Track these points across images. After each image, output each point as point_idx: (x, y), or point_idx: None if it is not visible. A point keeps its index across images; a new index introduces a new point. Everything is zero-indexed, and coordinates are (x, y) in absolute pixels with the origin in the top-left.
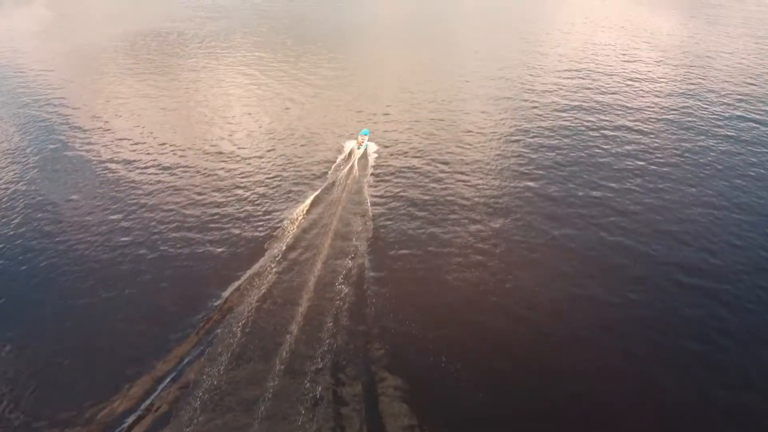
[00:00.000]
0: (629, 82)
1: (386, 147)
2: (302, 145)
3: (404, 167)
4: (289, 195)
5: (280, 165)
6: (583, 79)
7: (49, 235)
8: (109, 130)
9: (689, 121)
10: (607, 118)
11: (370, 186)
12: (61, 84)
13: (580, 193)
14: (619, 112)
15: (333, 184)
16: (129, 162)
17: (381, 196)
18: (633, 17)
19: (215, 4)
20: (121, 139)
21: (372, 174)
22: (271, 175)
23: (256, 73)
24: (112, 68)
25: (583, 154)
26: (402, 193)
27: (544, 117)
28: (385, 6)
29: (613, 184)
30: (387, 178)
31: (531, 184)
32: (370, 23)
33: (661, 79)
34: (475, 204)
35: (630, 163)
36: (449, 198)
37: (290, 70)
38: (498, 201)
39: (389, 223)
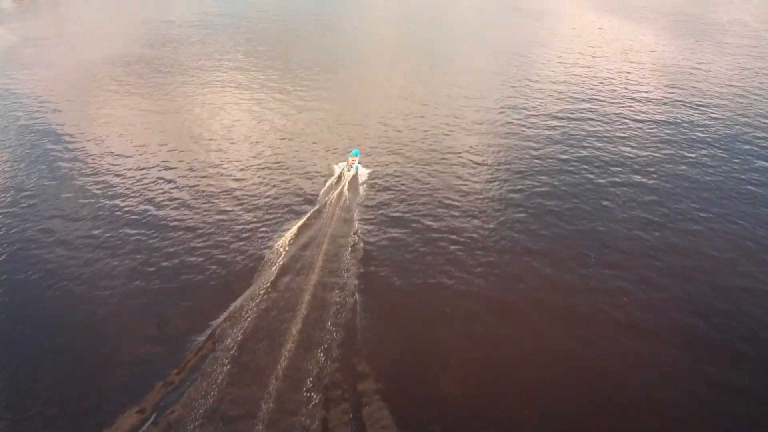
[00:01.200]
0: (628, 112)
1: (377, 168)
2: (290, 168)
3: (396, 190)
4: (276, 222)
5: (266, 189)
6: (581, 104)
7: (26, 257)
8: (88, 157)
9: (696, 162)
10: (606, 146)
11: (361, 212)
12: (36, 111)
13: (579, 227)
14: (616, 142)
15: (322, 209)
16: (108, 188)
17: (372, 223)
18: (634, 43)
19: (192, 25)
20: (96, 173)
21: (362, 198)
22: (256, 200)
23: (243, 92)
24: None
25: (581, 181)
26: (394, 220)
27: (541, 142)
28: (378, 22)
29: (614, 226)
30: (378, 202)
31: (524, 216)
32: (364, 39)
33: (664, 106)
34: (470, 233)
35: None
36: (443, 225)
37: (278, 89)
38: (493, 231)
39: (380, 253)
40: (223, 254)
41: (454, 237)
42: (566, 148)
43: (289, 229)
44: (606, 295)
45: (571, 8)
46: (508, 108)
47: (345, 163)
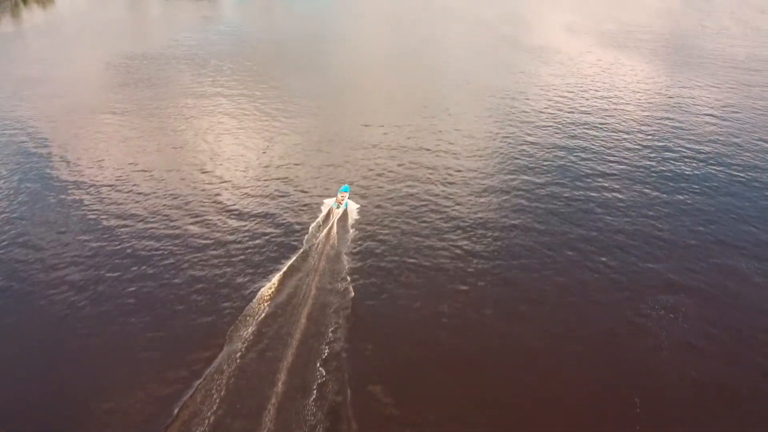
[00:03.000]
0: (626, 136)
1: (369, 205)
2: (275, 205)
3: (389, 229)
4: (257, 267)
5: (249, 229)
6: (578, 127)
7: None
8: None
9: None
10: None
11: (351, 254)
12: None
13: (578, 257)
14: (610, 164)
15: (308, 252)
16: (77, 225)
17: (363, 266)
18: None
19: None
20: (79, 201)
21: (352, 239)
22: (237, 243)
23: (226, 122)
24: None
25: (576, 211)
26: (387, 262)
27: (540, 172)
28: (371, 38)
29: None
30: (369, 244)
31: (527, 261)
32: (353, 69)
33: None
34: (467, 274)
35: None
36: (439, 264)
37: (263, 119)
38: (493, 274)
39: (373, 302)
40: (198, 310)
41: (450, 286)
42: (566, 179)
43: (270, 278)
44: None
45: (574, 42)
46: (503, 139)
47: (334, 199)
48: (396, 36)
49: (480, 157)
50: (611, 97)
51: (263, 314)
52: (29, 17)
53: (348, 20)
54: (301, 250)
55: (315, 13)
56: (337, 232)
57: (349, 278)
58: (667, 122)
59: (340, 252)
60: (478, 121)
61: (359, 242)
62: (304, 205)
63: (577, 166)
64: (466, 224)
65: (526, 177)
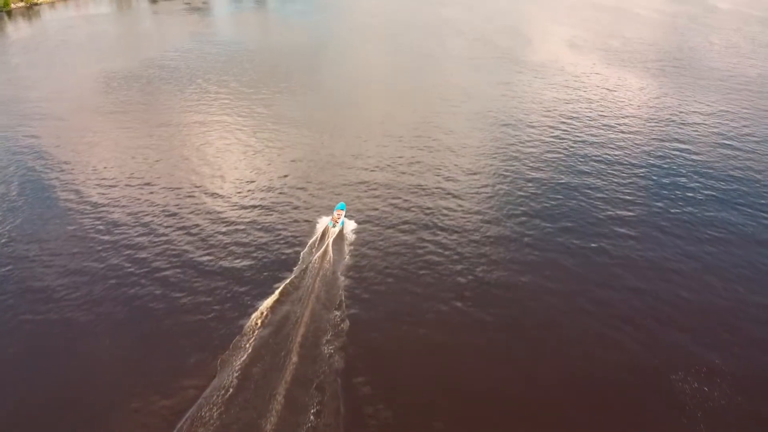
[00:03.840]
0: (621, 150)
1: (365, 223)
2: (269, 224)
3: (386, 249)
4: (250, 290)
5: (242, 248)
6: (577, 154)
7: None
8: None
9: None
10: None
11: (347, 276)
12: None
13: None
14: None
15: (303, 273)
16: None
17: (359, 287)
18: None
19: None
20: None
21: (348, 259)
22: (230, 262)
23: (220, 135)
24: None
25: (572, 224)
26: (384, 283)
27: (540, 189)
28: (367, 55)
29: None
30: (366, 264)
31: (526, 279)
32: (350, 82)
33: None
34: (465, 297)
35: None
36: (439, 289)
37: (257, 134)
38: (492, 302)
39: (369, 331)
40: (188, 335)
41: (446, 309)
42: (565, 199)
43: (263, 302)
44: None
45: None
46: (503, 158)
47: (330, 217)
48: (393, 53)
49: (479, 174)
50: (620, 126)
51: (255, 341)
52: (13, 30)
53: (343, 36)
54: (296, 272)
55: (307, 29)
56: (333, 253)
57: (344, 304)
58: (682, 154)
59: (335, 274)
60: (478, 139)
61: (355, 263)
62: (300, 224)
63: (584, 205)
64: (465, 242)
65: (528, 204)
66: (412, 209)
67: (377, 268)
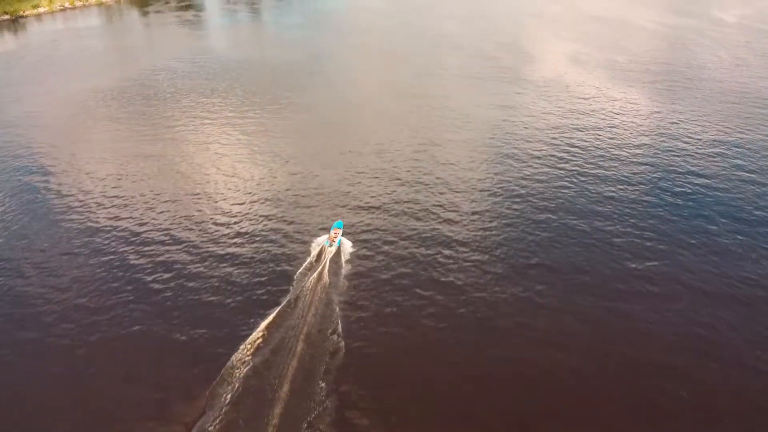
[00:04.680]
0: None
1: (364, 243)
2: (263, 243)
3: (386, 271)
4: (242, 315)
5: (234, 269)
6: (579, 170)
7: None
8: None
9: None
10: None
11: (343, 301)
12: None
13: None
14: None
15: (298, 297)
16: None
17: (357, 314)
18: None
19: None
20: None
21: (345, 283)
22: (221, 285)
23: (214, 154)
24: None
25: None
26: (384, 311)
27: (549, 228)
28: (363, 70)
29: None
30: (364, 287)
31: (526, 320)
32: (348, 96)
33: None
34: (468, 322)
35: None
36: (437, 314)
37: (252, 149)
38: (496, 326)
39: (366, 360)
40: (177, 364)
41: (451, 342)
42: (567, 217)
43: (256, 328)
44: None
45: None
46: (506, 192)
47: (326, 236)
48: (389, 70)
49: (481, 192)
50: (634, 158)
51: (247, 370)
52: None
53: (337, 52)
54: (289, 296)
55: (301, 44)
56: (329, 275)
57: (341, 333)
58: (703, 190)
59: (331, 299)
60: (480, 171)
61: (353, 287)
62: (295, 243)
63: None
64: (468, 265)
65: (537, 252)
66: (413, 227)
67: (376, 292)
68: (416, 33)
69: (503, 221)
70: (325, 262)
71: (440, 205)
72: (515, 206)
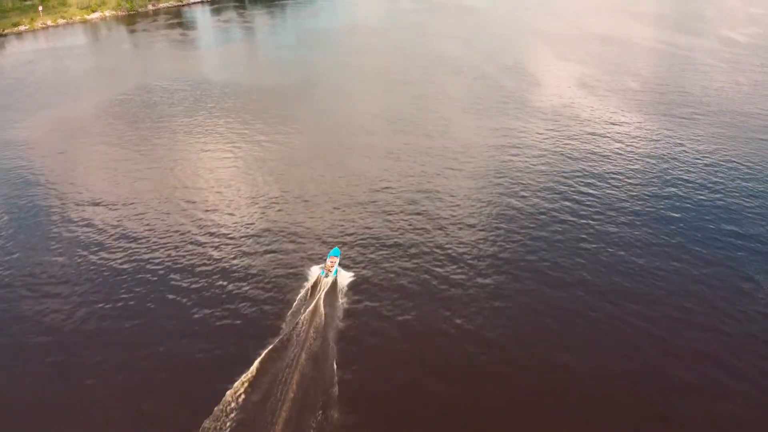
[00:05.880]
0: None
1: (362, 272)
2: (254, 274)
3: (386, 305)
4: (225, 360)
5: (219, 305)
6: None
7: None
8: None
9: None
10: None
11: (340, 335)
12: None
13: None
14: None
15: (290, 335)
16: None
17: (355, 355)
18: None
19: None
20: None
21: (342, 319)
22: (207, 322)
23: (202, 177)
24: None
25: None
26: (384, 346)
27: (565, 295)
28: (360, 94)
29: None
30: (363, 323)
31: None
32: (345, 117)
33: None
34: (470, 363)
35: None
36: (440, 349)
37: (244, 173)
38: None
39: (364, 400)
40: (158, 414)
41: (453, 389)
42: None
43: (239, 377)
44: None
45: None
46: (507, 206)
47: (322, 265)
48: (385, 96)
49: (483, 231)
50: (659, 211)
51: (240, 407)
52: None
53: (332, 74)
54: (281, 335)
55: (295, 66)
56: (325, 309)
57: (335, 369)
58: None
59: (327, 334)
60: (482, 192)
61: (350, 322)
62: (287, 274)
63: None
64: (474, 302)
65: (548, 324)
66: (414, 255)
67: (374, 328)
68: (414, 54)
69: (510, 265)
70: (321, 294)
71: (441, 238)
72: (521, 249)
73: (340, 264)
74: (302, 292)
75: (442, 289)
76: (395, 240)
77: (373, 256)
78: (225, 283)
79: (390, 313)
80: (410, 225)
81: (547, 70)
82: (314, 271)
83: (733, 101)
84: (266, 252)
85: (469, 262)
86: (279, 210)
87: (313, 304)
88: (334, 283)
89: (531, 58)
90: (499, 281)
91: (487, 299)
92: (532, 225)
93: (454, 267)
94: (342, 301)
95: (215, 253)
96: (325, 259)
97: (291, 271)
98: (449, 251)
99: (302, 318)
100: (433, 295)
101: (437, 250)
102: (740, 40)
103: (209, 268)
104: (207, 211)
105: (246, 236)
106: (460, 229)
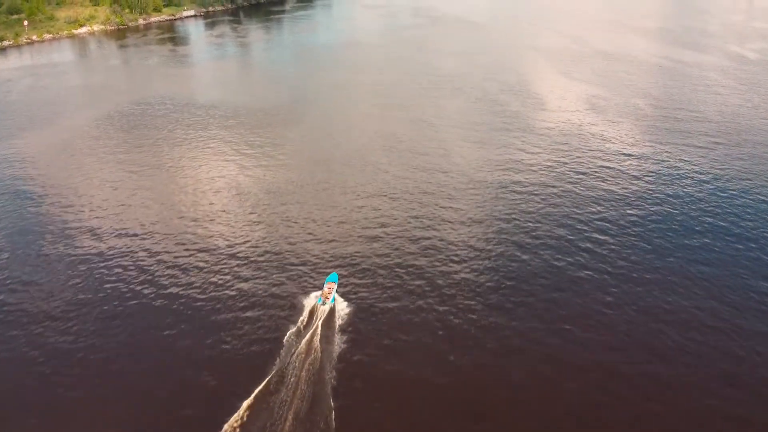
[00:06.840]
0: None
1: (361, 299)
2: (248, 301)
3: (385, 333)
4: (215, 398)
5: (210, 337)
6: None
7: None
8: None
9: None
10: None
11: (337, 373)
12: None
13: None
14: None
15: (284, 369)
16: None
17: (351, 383)
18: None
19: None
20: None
21: (340, 350)
22: (193, 358)
23: (192, 200)
24: None
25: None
26: (382, 381)
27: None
28: (355, 116)
29: None
30: (362, 355)
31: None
32: (341, 140)
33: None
34: (472, 400)
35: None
36: (443, 384)
37: (237, 195)
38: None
39: None
40: None
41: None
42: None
43: (229, 418)
44: None
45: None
46: (510, 234)
47: (319, 293)
48: (381, 118)
49: (486, 260)
50: (684, 260)
51: None
52: None
53: (327, 94)
54: (275, 369)
55: (290, 81)
56: (321, 340)
57: (332, 404)
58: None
59: (323, 369)
60: (483, 224)
61: (347, 354)
62: (283, 301)
63: None
64: (475, 330)
65: (545, 303)
66: (414, 283)
67: (373, 360)
68: (412, 71)
69: (513, 297)
70: (318, 323)
71: (442, 264)
72: (524, 284)
73: (337, 291)
74: (298, 321)
75: (443, 320)
76: (395, 261)
77: (371, 281)
78: (214, 315)
79: (388, 342)
80: (411, 252)
81: (552, 89)
82: (311, 299)
83: (753, 127)
84: (258, 282)
85: (476, 290)
86: (269, 238)
87: (309, 333)
88: (332, 311)
89: (534, 77)
90: (501, 317)
91: (487, 330)
92: (534, 258)
93: (456, 293)
94: (340, 330)
95: (213, 278)
96: (323, 286)
97: (287, 298)
98: (452, 279)
99: (299, 349)
100: (433, 324)
101: (437, 279)
102: (750, 56)
103: (203, 296)
104: (199, 236)
105: (240, 263)
106: (465, 257)
